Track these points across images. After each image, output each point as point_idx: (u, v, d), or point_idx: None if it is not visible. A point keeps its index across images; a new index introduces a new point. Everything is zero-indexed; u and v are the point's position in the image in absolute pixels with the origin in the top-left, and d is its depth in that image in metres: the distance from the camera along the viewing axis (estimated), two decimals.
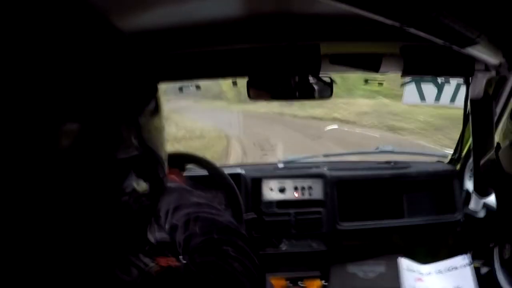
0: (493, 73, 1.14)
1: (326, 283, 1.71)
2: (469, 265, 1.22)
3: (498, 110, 1.35)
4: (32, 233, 0.40)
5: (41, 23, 0.39)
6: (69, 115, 0.39)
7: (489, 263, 1.26)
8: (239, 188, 1.32)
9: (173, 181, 0.78)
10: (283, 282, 1.69)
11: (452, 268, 1.24)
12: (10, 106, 0.37)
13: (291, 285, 1.70)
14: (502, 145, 0.82)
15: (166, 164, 0.55)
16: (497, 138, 1.21)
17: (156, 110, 0.53)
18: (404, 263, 1.28)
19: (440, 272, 1.25)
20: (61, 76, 0.39)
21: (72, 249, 0.42)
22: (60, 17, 0.41)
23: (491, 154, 0.85)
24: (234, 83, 1.39)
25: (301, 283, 1.70)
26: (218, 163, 1.36)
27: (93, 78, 0.41)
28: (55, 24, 0.40)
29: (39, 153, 0.38)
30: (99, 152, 0.42)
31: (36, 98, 0.38)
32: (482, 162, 0.90)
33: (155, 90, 0.53)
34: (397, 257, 1.53)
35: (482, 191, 1.40)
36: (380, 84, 1.35)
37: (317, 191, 1.66)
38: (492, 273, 1.21)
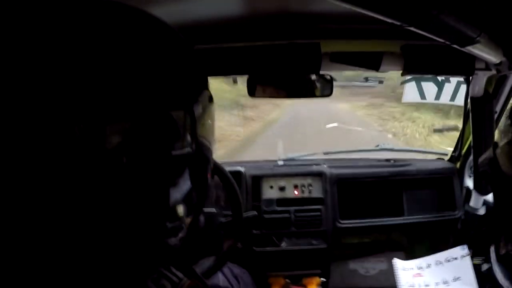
0: (493, 71, 1.14)
1: (325, 280, 1.72)
2: (468, 255, 1.22)
3: (498, 108, 1.35)
4: (72, 235, 0.38)
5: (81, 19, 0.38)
6: (114, 113, 0.37)
7: (490, 260, 1.27)
8: (239, 186, 1.33)
9: None
10: (282, 280, 1.69)
11: (452, 259, 1.24)
12: (55, 107, 0.35)
13: (290, 282, 1.70)
14: (500, 144, 0.82)
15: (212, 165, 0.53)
16: (496, 136, 1.21)
17: (210, 100, 0.50)
18: (399, 263, 1.27)
19: (439, 263, 1.25)
20: (102, 72, 0.37)
21: (107, 256, 0.41)
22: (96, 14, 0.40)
23: (488, 152, 0.85)
24: (235, 81, 1.39)
25: (300, 281, 1.71)
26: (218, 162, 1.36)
27: (138, 71, 0.39)
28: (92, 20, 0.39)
29: (86, 155, 0.36)
30: (152, 149, 0.39)
31: (79, 97, 0.36)
32: (480, 160, 0.90)
33: (206, 80, 0.51)
34: (398, 255, 1.54)
35: (482, 189, 1.41)
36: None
37: (317, 189, 1.67)
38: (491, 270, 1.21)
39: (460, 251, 1.23)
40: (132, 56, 0.39)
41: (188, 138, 0.43)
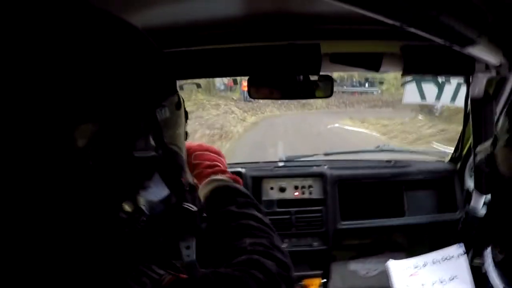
0: (493, 73, 1.14)
1: (326, 282, 1.72)
2: (464, 254, 1.22)
3: (498, 109, 1.35)
4: (43, 236, 0.40)
5: (51, 23, 0.39)
6: (84, 115, 0.39)
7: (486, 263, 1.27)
8: None
9: None
10: None
11: (449, 258, 1.24)
12: (24, 107, 0.37)
13: None
14: (497, 144, 0.82)
15: (187, 168, 0.54)
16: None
17: (178, 106, 0.51)
18: (393, 264, 1.26)
19: (436, 262, 1.24)
20: (74, 75, 0.39)
21: (85, 255, 0.42)
22: (66, 15, 0.41)
23: (485, 150, 0.85)
24: (235, 82, 1.40)
25: (301, 282, 1.70)
26: None
27: (106, 75, 0.41)
28: (62, 21, 0.40)
29: (54, 155, 0.38)
30: (116, 151, 0.41)
31: (50, 98, 0.37)
32: (477, 158, 0.90)
33: (173, 84, 0.52)
34: (399, 255, 1.53)
35: (482, 189, 1.40)
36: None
37: (317, 190, 1.67)
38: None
39: (457, 250, 1.23)
40: (94, 60, 0.40)
41: (152, 141, 0.45)
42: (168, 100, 0.49)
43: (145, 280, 0.46)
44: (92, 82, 0.39)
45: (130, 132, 0.42)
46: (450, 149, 1.80)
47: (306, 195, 1.66)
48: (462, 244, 1.22)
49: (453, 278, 1.19)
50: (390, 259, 1.32)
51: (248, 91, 1.26)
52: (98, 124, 0.39)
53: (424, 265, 1.24)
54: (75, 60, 0.39)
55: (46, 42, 0.38)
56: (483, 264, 1.28)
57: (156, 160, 0.45)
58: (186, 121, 0.57)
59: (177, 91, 0.52)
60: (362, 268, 1.76)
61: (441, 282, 1.19)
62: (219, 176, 0.69)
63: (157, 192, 0.46)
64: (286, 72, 1.19)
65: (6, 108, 0.36)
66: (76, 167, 0.39)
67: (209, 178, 0.68)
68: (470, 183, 1.62)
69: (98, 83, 0.40)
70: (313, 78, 1.24)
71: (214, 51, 1.11)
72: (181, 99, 0.55)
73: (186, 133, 0.57)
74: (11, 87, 0.37)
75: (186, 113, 0.57)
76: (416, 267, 1.24)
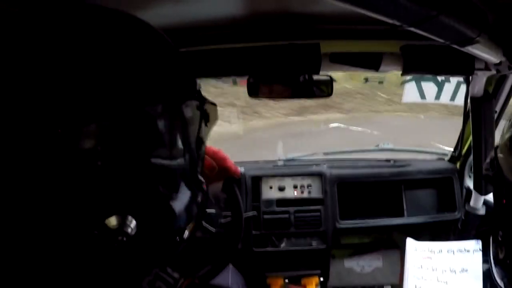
0: (493, 71, 1.14)
1: (323, 280, 1.72)
2: (480, 251, 1.22)
3: (498, 108, 1.35)
4: (51, 240, 0.39)
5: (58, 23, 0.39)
6: (90, 114, 0.37)
7: (488, 260, 1.27)
8: (238, 187, 1.33)
9: None
10: (281, 281, 1.69)
11: (464, 251, 1.24)
12: (28, 107, 0.36)
13: (289, 282, 1.70)
14: (500, 145, 0.82)
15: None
16: (497, 136, 1.21)
17: (199, 106, 0.48)
18: (411, 243, 1.28)
19: (450, 251, 1.25)
20: (83, 73, 0.38)
21: (96, 260, 0.41)
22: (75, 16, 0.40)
23: (491, 154, 0.85)
24: (234, 82, 1.39)
25: (299, 281, 1.71)
26: None
27: (115, 73, 0.39)
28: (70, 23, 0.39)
29: (57, 157, 0.36)
30: (127, 153, 0.39)
31: (55, 98, 0.36)
32: (486, 162, 0.90)
33: (194, 83, 0.50)
34: (394, 252, 1.53)
35: (482, 189, 1.40)
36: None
37: (316, 189, 1.67)
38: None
39: (474, 245, 1.24)
40: (109, 59, 0.39)
41: (178, 142, 0.43)
42: (188, 101, 0.46)
43: (160, 284, 0.45)
44: (101, 79, 0.38)
45: (144, 132, 0.40)
46: (450, 148, 1.80)
47: (305, 195, 1.66)
48: (479, 241, 1.22)
49: (463, 271, 1.19)
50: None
51: (248, 90, 1.26)
52: (106, 123, 0.37)
53: (439, 252, 1.25)
54: (84, 58, 0.38)
55: (58, 42, 0.37)
56: (483, 262, 1.29)
57: (177, 168, 0.43)
58: (207, 124, 0.52)
59: (197, 93, 0.49)
60: (357, 265, 1.77)
61: (452, 271, 1.20)
62: None
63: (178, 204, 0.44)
64: (286, 71, 1.19)
65: (10, 106, 0.36)
66: (80, 168, 0.37)
67: None
68: (469, 182, 1.62)
69: (111, 80, 0.39)
70: (314, 77, 1.24)
71: (214, 52, 1.11)
72: (205, 101, 0.51)
73: (202, 137, 0.52)
74: (17, 85, 0.36)
75: (207, 115, 0.52)
76: (431, 251, 1.25)
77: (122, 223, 0.39)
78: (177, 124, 0.44)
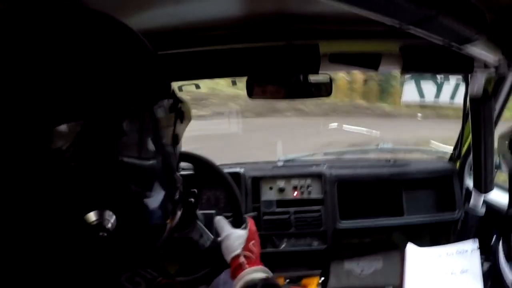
0: (492, 71, 1.14)
1: (324, 281, 1.72)
2: (478, 249, 1.23)
3: (497, 108, 1.35)
4: (31, 239, 0.39)
5: (40, 22, 0.39)
6: (64, 114, 0.38)
7: (490, 259, 1.27)
8: (238, 187, 1.33)
9: None
10: (281, 281, 1.69)
11: (463, 252, 1.24)
12: (2, 107, 0.36)
13: (289, 282, 1.70)
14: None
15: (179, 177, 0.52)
16: (496, 136, 1.21)
17: (172, 108, 0.49)
18: (411, 249, 1.28)
19: (450, 254, 1.25)
20: (57, 72, 0.38)
21: (77, 257, 0.42)
22: (57, 16, 0.40)
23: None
24: (234, 82, 1.40)
25: (300, 282, 1.71)
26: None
27: (91, 72, 0.40)
28: (52, 21, 0.40)
29: (30, 156, 0.37)
30: (101, 153, 0.39)
31: (27, 96, 0.37)
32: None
33: (168, 85, 0.50)
34: (395, 254, 1.52)
35: (482, 188, 1.40)
36: None
37: (316, 189, 1.67)
38: (494, 268, 1.21)
39: (471, 245, 1.24)
40: (77, 57, 0.39)
41: (149, 144, 0.44)
42: (160, 102, 0.47)
43: (139, 280, 0.46)
44: (75, 79, 0.38)
45: (115, 133, 0.40)
46: (449, 148, 1.80)
47: (305, 195, 1.66)
48: (477, 240, 1.23)
49: (464, 272, 1.19)
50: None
51: (247, 91, 1.26)
52: (81, 123, 0.38)
53: (439, 256, 1.25)
54: (59, 57, 0.38)
55: (33, 40, 0.38)
56: (483, 261, 1.29)
57: (148, 167, 0.44)
58: (182, 123, 0.53)
59: (171, 93, 0.50)
60: (357, 266, 1.77)
61: (452, 274, 1.20)
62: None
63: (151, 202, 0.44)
64: (285, 72, 1.19)
65: None
66: (54, 168, 0.37)
67: None
68: (469, 182, 1.62)
69: (82, 80, 0.39)
70: (313, 77, 1.24)
71: (212, 52, 1.11)
72: (179, 101, 0.52)
73: (177, 136, 0.53)
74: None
75: (181, 114, 0.53)
76: (430, 257, 1.25)
77: (101, 219, 0.40)
78: (149, 124, 0.44)
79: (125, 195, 0.42)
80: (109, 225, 0.40)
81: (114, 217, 0.40)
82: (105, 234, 0.40)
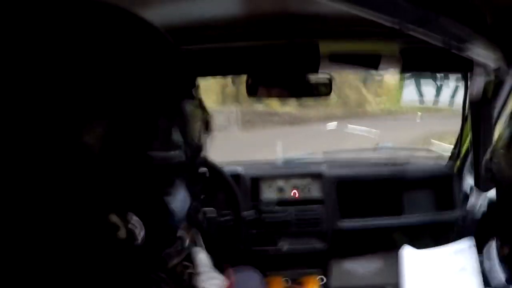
0: (491, 75, 1.14)
1: (324, 280, 1.72)
2: (474, 246, 1.23)
3: (496, 109, 1.35)
4: (54, 240, 0.39)
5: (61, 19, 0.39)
6: (94, 112, 0.37)
7: (486, 258, 1.27)
8: (238, 187, 1.33)
9: None
10: (281, 280, 1.69)
11: (460, 250, 1.25)
12: (31, 103, 0.36)
13: (289, 282, 1.70)
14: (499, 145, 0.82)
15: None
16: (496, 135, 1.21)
17: (201, 104, 0.49)
18: (407, 252, 1.28)
19: (447, 254, 1.26)
20: (84, 70, 0.37)
21: (95, 263, 0.41)
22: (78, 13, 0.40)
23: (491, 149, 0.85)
24: (233, 81, 1.40)
25: (299, 281, 1.71)
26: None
27: (119, 71, 0.39)
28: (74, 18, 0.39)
29: (60, 156, 0.36)
30: (130, 151, 0.39)
31: (57, 95, 0.36)
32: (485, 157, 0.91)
33: (194, 83, 0.50)
34: (395, 253, 1.52)
35: (481, 186, 1.41)
36: None
37: (316, 189, 1.67)
38: (489, 268, 1.22)
39: (467, 243, 1.24)
40: (112, 57, 0.39)
41: (176, 139, 0.43)
42: (187, 99, 0.47)
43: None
44: (106, 75, 0.38)
45: (145, 129, 0.40)
46: (450, 147, 1.80)
47: (305, 195, 1.66)
48: (472, 237, 1.23)
49: (462, 270, 1.20)
50: (395, 254, 1.32)
51: (247, 90, 1.26)
52: (109, 121, 0.38)
53: (436, 257, 1.25)
54: (90, 53, 0.38)
55: (59, 38, 0.37)
56: (483, 261, 1.29)
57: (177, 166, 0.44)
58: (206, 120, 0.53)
59: (196, 88, 0.50)
60: (358, 266, 1.77)
61: (450, 273, 1.20)
62: None
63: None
64: (285, 71, 1.19)
65: (10, 103, 0.35)
66: (85, 165, 0.37)
67: None
68: (469, 182, 1.62)
69: (112, 76, 0.39)
70: (312, 77, 1.24)
71: (213, 51, 1.11)
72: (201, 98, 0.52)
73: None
74: (19, 83, 0.36)
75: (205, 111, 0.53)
76: (427, 258, 1.25)
77: (126, 221, 0.39)
78: (178, 120, 0.44)
79: (152, 192, 0.42)
80: (141, 234, 0.40)
81: (139, 221, 0.40)
82: (138, 242, 0.40)
